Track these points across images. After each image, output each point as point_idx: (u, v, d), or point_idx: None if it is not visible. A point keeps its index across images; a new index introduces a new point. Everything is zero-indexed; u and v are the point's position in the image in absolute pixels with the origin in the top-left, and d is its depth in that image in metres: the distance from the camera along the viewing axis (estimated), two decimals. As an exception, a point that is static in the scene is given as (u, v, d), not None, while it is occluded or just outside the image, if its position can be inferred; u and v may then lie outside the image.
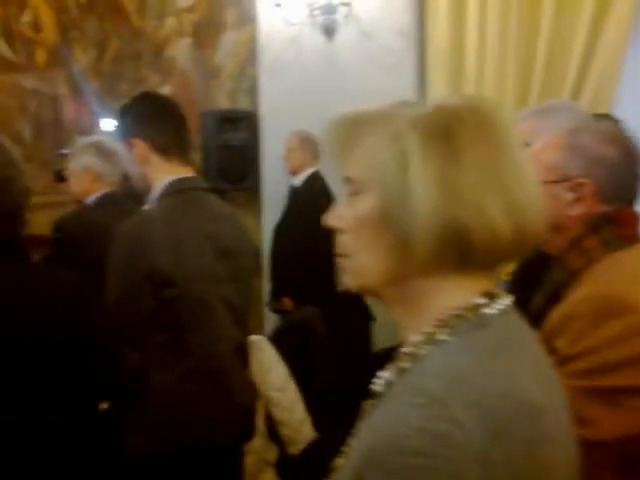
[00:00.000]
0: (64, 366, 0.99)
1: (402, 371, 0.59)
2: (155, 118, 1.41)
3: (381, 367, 0.64)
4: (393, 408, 0.54)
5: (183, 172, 1.40)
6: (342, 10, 3.14)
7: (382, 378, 0.62)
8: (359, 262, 0.63)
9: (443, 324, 0.59)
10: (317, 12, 3.17)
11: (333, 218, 0.66)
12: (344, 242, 0.65)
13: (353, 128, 0.64)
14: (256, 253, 1.50)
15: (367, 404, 0.65)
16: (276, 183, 3.28)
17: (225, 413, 1.36)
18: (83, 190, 2.13)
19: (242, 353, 1.48)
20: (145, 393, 1.27)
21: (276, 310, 3.00)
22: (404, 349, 0.62)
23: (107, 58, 3.93)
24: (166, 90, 3.77)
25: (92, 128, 3.89)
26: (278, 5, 3.17)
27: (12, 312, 0.95)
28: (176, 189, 1.36)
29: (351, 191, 0.64)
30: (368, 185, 0.61)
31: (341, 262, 0.66)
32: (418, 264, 0.59)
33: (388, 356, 0.65)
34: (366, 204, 0.61)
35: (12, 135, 4.29)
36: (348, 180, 0.64)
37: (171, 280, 1.24)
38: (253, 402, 1.51)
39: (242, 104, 3.61)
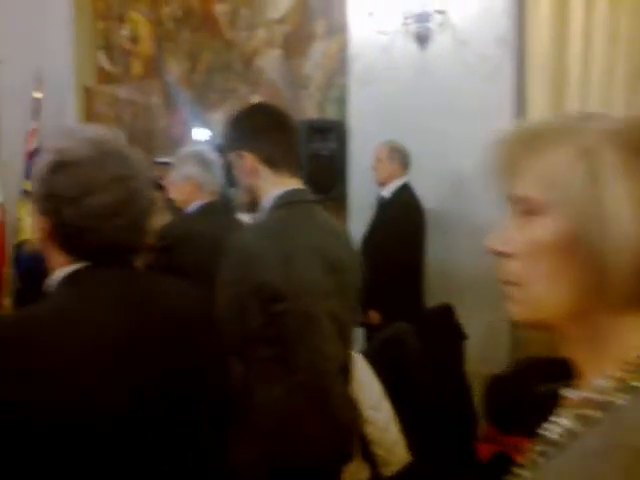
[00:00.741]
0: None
1: (589, 420, 0.52)
2: (265, 130, 1.40)
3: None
4: (594, 466, 0.47)
5: (292, 184, 1.38)
6: (437, 18, 3.07)
7: (558, 425, 0.55)
8: (534, 292, 0.56)
9: (635, 368, 0.52)
10: (410, 20, 3.11)
11: (499, 242, 0.59)
12: (514, 269, 0.58)
13: (529, 143, 0.58)
14: (362, 268, 1.44)
15: (533, 450, 0.58)
16: (364, 194, 3.23)
17: (329, 432, 1.32)
18: (184, 199, 2.17)
19: (345, 370, 1.44)
20: (250, 408, 1.25)
21: (362, 324, 2.94)
22: (586, 394, 0.54)
23: (199, 69, 4.04)
24: (256, 100, 3.82)
25: (183, 137, 4.01)
26: (371, 14, 3.14)
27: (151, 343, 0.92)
28: (286, 202, 1.34)
29: (524, 212, 0.57)
30: (550, 206, 0.54)
31: (509, 291, 0.59)
32: (611, 298, 0.52)
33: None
34: (547, 227, 0.54)
35: (108, 143, 4.49)
36: (520, 199, 0.58)
37: (280, 294, 1.22)
38: (355, 422, 1.46)
39: (331, 114, 3.60)
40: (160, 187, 3.27)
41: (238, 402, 1.22)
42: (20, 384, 0.78)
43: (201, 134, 3.76)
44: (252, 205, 2.53)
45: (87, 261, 0.89)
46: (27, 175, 4.32)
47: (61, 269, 0.90)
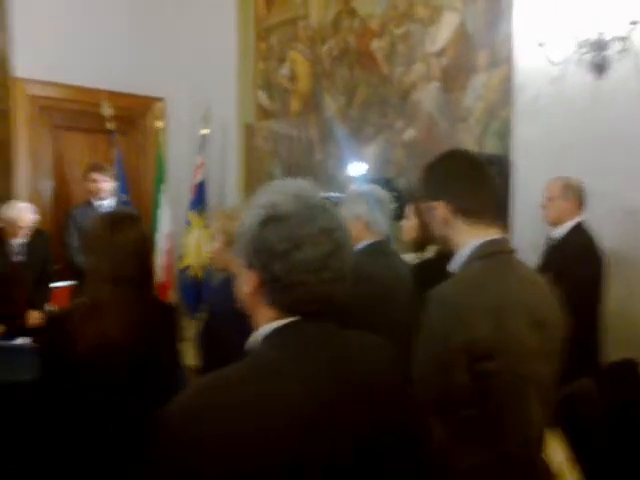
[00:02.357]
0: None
1: None
2: (460, 179, 1.35)
3: None
4: None
5: (491, 234, 1.31)
6: (616, 45, 2.84)
7: None
8: None
9: None
10: (585, 49, 2.92)
11: None
12: None
13: None
14: (565, 324, 1.32)
15: None
16: (529, 234, 3.04)
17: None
18: (353, 237, 2.17)
19: (542, 438, 1.31)
20: (449, 472, 1.17)
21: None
22: None
23: (355, 104, 4.11)
24: (411, 134, 3.80)
25: (338, 171, 4.08)
26: (541, 45, 2.99)
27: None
28: (485, 253, 1.27)
29: None
30: None
31: None
32: None
33: None
34: None
35: (264, 175, 4.71)
36: None
37: (490, 352, 1.13)
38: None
39: (490, 148, 3.47)
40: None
41: (437, 464, 1.16)
42: (221, 449, 0.78)
43: (356, 168, 3.80)
44: (418, 245, 2.47)
45: (295, 315, 0.89)
46: (192, 206, 4.65)
47: (266, 324, 0.90)
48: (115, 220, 1.67)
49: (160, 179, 4.61)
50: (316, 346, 0.88)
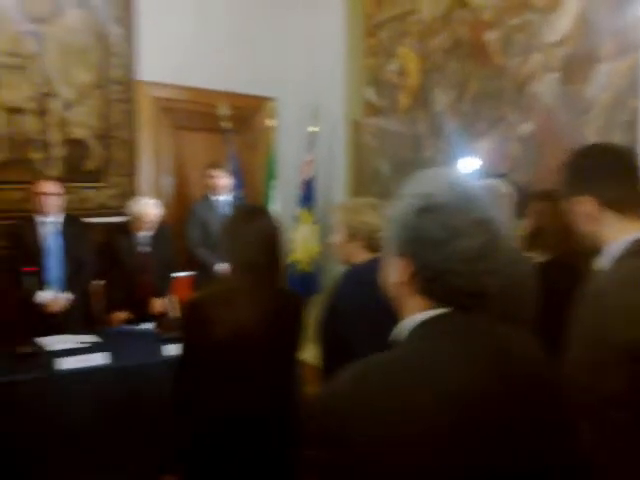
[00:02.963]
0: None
1: None
2: (608, 171, 1.29)
3: None
4: None
5: (641, 228, 1.24)
6: None
7: None
8: None
9: None
10: None
11: None
12: None
13: None
14: None
15: None
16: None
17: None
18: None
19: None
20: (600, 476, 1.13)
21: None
22: None
23: (466, 98, 4.02)
24: (527, 127, 3.67)
25: (449, 166, 4.02)
26: (679, 28, 2.78)
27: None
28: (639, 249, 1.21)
29: None
30: None
31: None
32: None
33: None
34: None
35: (371, 172, 4.73)
36: None
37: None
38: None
39: (616, 139, 3.27)
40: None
41: (587, 470, 1.12)
42: (374, 448, 0.76)
43: (468, 163, 3.72)
44: (533, 244, 2.38)
45: (446, 306, 0.88)
46: (301, 202, 4.76)
47: (415, 315, 0.89)
48: (248, 212, 1.77)
49: (271, 176, 4.77)
50: (470, 338, 0.86)
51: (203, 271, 4.12)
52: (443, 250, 0.85)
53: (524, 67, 3.70)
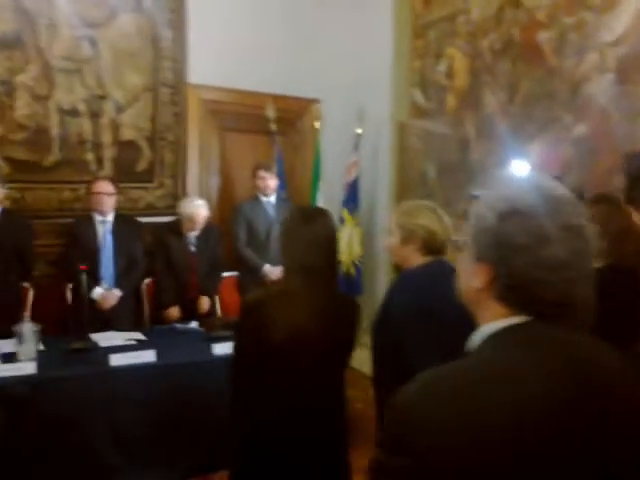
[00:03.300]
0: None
1: None
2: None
3: None
4: None
5: None
6: None
7: None
8: None
9: None
10: None
11: None
12: None
13: None
14: None
15: None
16: None
17: None
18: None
19: None
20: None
21: None
22: None
23: (517, 99, 3.94)
24: (581, 129, 3.57)
25: (497, 169, 3.95)
26: None
27: None
28: None
29: None
30: None
31: None
32: None
33: None
34: None
35: (416, 173, 4.69)
36: None
37: None
38: None
39: (677, 143, 3.15)
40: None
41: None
42: (450, 456, 0.74)
43: (519, 166, 3.65)
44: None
45: (529, 314, 0.83)
46: (345, 204, 4.76)
47: (492, 322, 0.85)
48: (307, 214, 1.77)
49: (317, 177, 4.78)
50: (549, 349, 0.81)
51: (248, 272, 4.15)
52: (528, 257, 0.81)
53: (578, 68, 3.61)
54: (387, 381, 1.79)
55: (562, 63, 3.68)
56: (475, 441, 0.75)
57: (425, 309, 1.75)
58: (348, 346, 1.84)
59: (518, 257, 0.82)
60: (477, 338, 0.87)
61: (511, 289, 0.84)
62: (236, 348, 1.78)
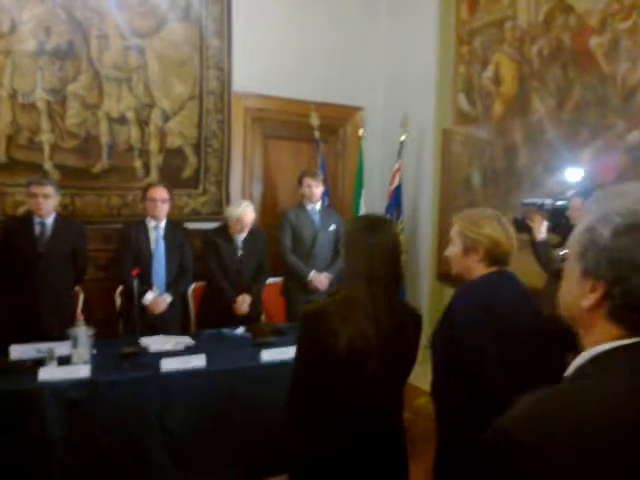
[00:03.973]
0: None
1: None
2: None
3: None
4: None
5: None
6: None
7: None
8: None
9: None
10: None
11: None
12: None
13: None
14: None
15: None
16: None
17: None
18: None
19: None
20: None
21: None
22: None
23: (568, 106, 3.87)
24: (635, 136, 3.48)
25: (547, 177, 3.88)
26: None
27: None
28: None
29: None
30: None
31: None
32: None
33: None
34: None
35: (461, 180, 4.64)
36: None
37: None
38: None
39: None
40: (524, 227, 3.21)
41: None
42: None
43: (570, 174, 3.58)
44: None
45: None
46: (388, 210, 4.74)
47: (601, 343, 0.81)
48: (372, 223, 1.75)
49: (360, 184, 4.77)
50: None
51: (293, 278, 4.16)
52: None
53: (632, 74, 3.52)
54: (448, 392, 1.76)
55: (615, 69, 3.60)
56: (583, 466, 0.73)
57: (488, 321, 1.72)
58: (411, 358, 1.81)
59: (636, 275, 0.78)
60: (586, 358, 0.83)
61: (627, 309, 0.80)
62: (297, 360, 1.77)
